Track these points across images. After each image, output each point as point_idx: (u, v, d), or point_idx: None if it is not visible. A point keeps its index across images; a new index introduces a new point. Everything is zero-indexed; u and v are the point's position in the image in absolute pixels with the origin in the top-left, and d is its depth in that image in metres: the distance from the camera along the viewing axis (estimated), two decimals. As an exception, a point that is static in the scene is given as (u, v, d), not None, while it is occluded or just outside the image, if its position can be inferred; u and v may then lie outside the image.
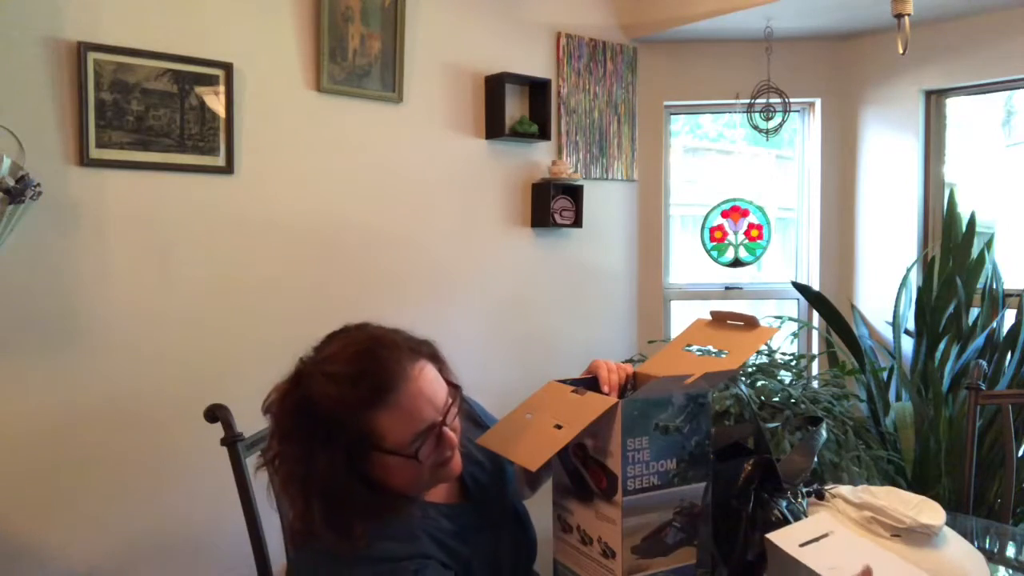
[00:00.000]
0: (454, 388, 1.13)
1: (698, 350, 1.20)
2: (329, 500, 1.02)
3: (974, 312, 2.94)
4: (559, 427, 1.03)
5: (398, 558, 1.04)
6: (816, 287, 3.31)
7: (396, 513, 1.07)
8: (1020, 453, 2.50)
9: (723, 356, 1.14)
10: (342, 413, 1.02)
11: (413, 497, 1.12)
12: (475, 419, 1.36)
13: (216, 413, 1.49)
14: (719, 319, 1.23)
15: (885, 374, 3.01)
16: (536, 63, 2.98)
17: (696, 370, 1.04)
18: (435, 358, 1.13)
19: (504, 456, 1.13)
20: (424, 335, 1.16)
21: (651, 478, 1.02)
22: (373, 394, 1.02)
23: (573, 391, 1.09)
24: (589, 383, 1.21)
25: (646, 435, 1.01)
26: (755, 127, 3.21)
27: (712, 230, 3.32)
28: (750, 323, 1.17)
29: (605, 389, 1.19)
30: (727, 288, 3.42)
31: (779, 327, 2.93)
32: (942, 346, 2.92)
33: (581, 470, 1.07)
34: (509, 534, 1.26)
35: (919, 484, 2.65)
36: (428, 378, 1.07)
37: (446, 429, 1.08)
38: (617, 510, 1.00)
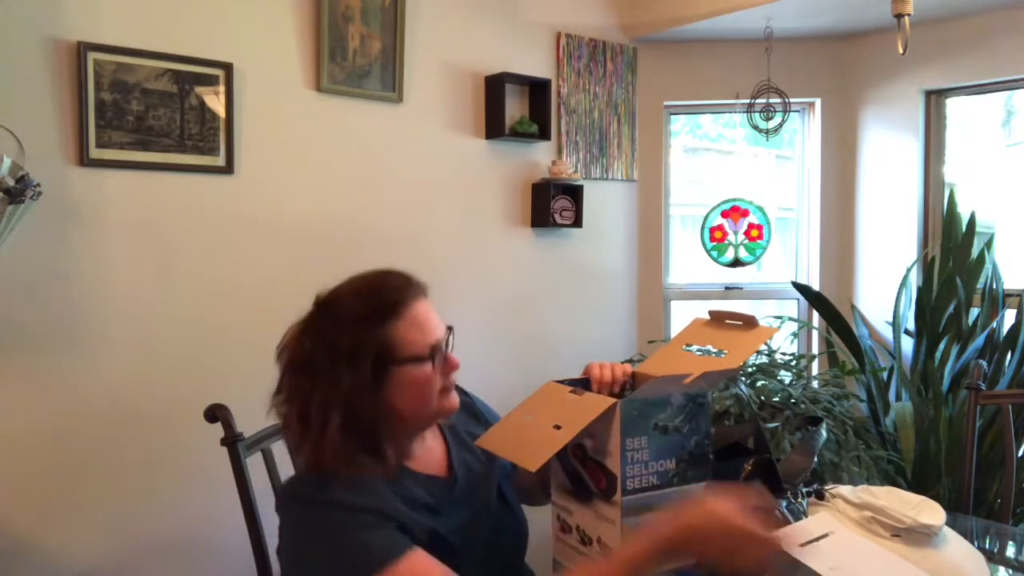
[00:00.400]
0: (447, 328, 1.22)
1: (698, 350, 1.20)
2: (349, 419, 1.08)
3: (974, 312, 2.94)
4: (558, 427, 1.03)
5: (354, 508, 1.06)
6: (816, 287, 3.31)
7: (403, 440, 1.17)
8: (1020, 453, 2.50)
9: (722, 356, 1.14)
10: (364, 326, 1.11)
11: (414, 437, 1.20)
12: (475, 413, 1.39)
13: (216, 413, 1.49)
14: (718, 318, 1.23)
15: (885, 374, 3.01)
16: (536, 63, 2.98)
17: (695, 370, 1.04)
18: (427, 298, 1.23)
19: (504, 457, 1.13)
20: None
21: (650, 478, 1.02)
22: (390, 307, 1.14)
23: (572, 391, 1.09)
24: (588, 383, 1.21)
25: (645, 435, 1.01)
26: (755, 127, 3.21)
27: (712, 230, 3.32)
28: (749, 323, 1.17)
29: (595, 388, 1.19)
30: (727, 288, 3.42)
31: (779, 327, 2.93)
32: (942, 346, 2.92)
33: (580, 470, 1.07)
34: (493, 520, 1.26)
35: (919, 484, 2.65)
36: (430, 305, 1.20)
37: (450, 353, 1.19)
38: (616, 510, 1.00)
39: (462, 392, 1.35)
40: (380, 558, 1.02)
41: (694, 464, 1.06)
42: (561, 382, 1.18)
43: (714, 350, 1.17)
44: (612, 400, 1.00)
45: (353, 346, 1.10)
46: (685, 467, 1.05)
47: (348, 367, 1.09)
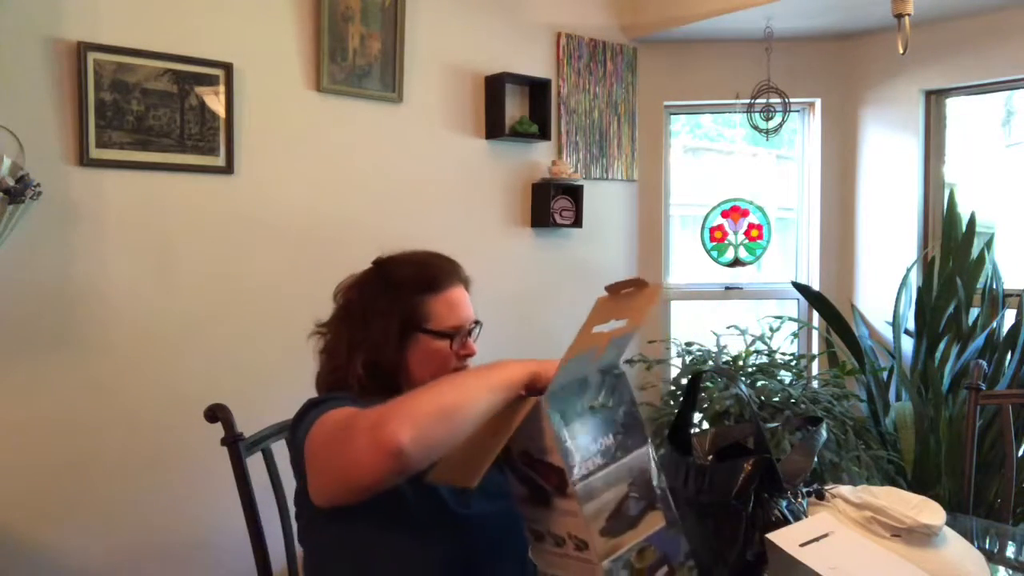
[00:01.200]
0: (476, 322, 1.36)
1: (606, 327, 1.20)
2: (371, 363, 1.24)
3: (974, 312, 2.94)
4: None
5: (342, 398, 1.17)
6: (816, 287, 3.31)
7: None
8: (1020, 453, 2.50)
9: (623, 324, 1.15)
10: (404, 292, 1.27)
11: None
12: None
13: (216, 413, 1.49)
14: (614, 291, 1.24)
15: (885, 374, 3.01)
16: (536, 63, 2.98)
17: (599, 343, 1.05)
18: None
19: (442, 482, 1.06)
20: None
21: (595, 459, 1.01)
22: (430, 281, 1.29)
23: None
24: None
25: (576, 421, 1.01)
26: (755, 127, 3.21)
27: (712, 230, 3.32)
28: (639, 285, 1.18)
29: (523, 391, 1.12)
30: (727, 288, 3.42)
31: (783, 323, 2.93)
32: (942, 346, 2.92)
33: (532, 475, 1.06)
34: (497, 503, 1.23)
35: (919, 484, 2.65)
36: (467, 298, 1.35)
37: (471, 340, 1.33)
38: (573, 501, 0.99)
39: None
40: (325, 408, 1.08)
41: (629, 433, 1.06)
42: None
43: (617, 322, 1.18)
44: (532, 400, 0.99)
45: (389, 305, 1.27)
46: (623, 438, 1.05)
47: (380, 321, 1.26)
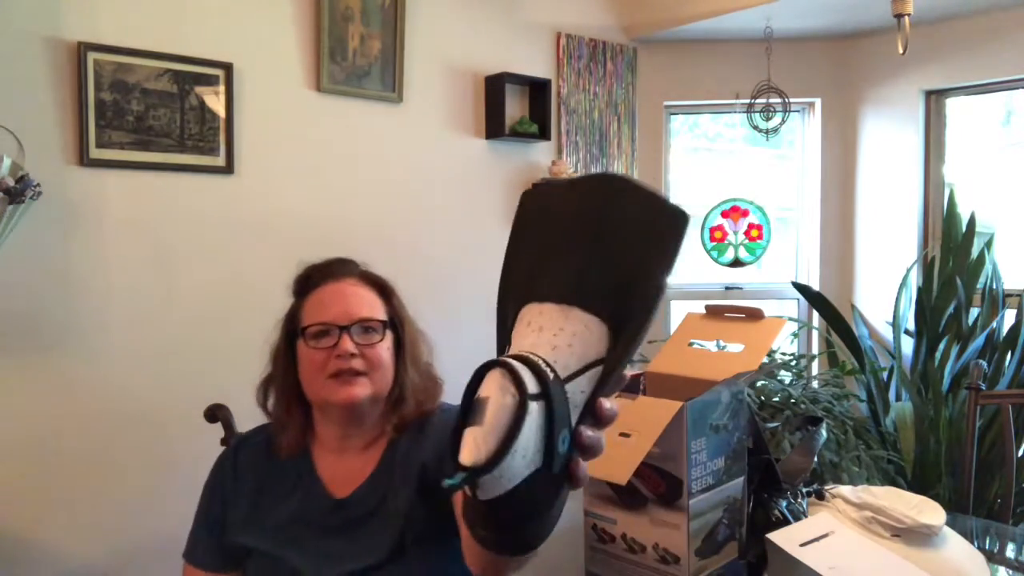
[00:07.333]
0: (385, 324, 1.19)
1: (715, 345, 1.19)
2: (275, 376, 1.22)
3: (974, 312, 2.94)
4: (625, 435, 0.98)
5: (224, 472, 1.31)
6: (816, 287, 3.31)
7: (317, 417, 1.21)
8: (1020, 453, 2.50)
9: (739, 350, 1.13)
10: (294, 300, 1.25)
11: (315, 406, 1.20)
12: (426, 431, 1.22)
13: (216, 413, 1.49)
14: (715, 312, 1.23)
15: (885, 374, 3.01)
16: (536, 63, 2.98)
17: (717, 365, 1.04)
18: (385, 292, 1.23)
19: (598, 477, 1.04)
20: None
21: (707, 478, 1.01)
22: (303, 283, 1.24)
23: (617, 395, 1.06)
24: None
25: (704, 436, 1.00)
26: (755, 127, 3.21)
27: (712, 230, 3.32)
28: (752, 315, 1.16)
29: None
30: (727, 288, 3.42)
31: (787, 319, 2.93)
32: (942, 346, 2.92)
33: (631, 477, 1.04)
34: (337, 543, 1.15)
35: (919, 484, 2.65)
36: (354, 292, 1.19)
37: (346, 338, 1.13)
38: (682, 515, 0.98)
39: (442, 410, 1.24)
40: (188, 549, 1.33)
41: (737, 460, 1.06)
42: None
43: (726, 344, 1.17)
44: (679, 404, 0.98)
45: (285, 316, 1.25)
46: (730, 464, 1.05)
47: (280, 331, 1.24)
